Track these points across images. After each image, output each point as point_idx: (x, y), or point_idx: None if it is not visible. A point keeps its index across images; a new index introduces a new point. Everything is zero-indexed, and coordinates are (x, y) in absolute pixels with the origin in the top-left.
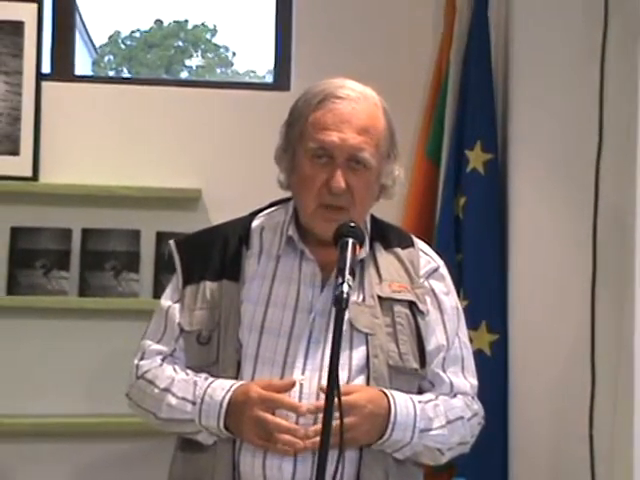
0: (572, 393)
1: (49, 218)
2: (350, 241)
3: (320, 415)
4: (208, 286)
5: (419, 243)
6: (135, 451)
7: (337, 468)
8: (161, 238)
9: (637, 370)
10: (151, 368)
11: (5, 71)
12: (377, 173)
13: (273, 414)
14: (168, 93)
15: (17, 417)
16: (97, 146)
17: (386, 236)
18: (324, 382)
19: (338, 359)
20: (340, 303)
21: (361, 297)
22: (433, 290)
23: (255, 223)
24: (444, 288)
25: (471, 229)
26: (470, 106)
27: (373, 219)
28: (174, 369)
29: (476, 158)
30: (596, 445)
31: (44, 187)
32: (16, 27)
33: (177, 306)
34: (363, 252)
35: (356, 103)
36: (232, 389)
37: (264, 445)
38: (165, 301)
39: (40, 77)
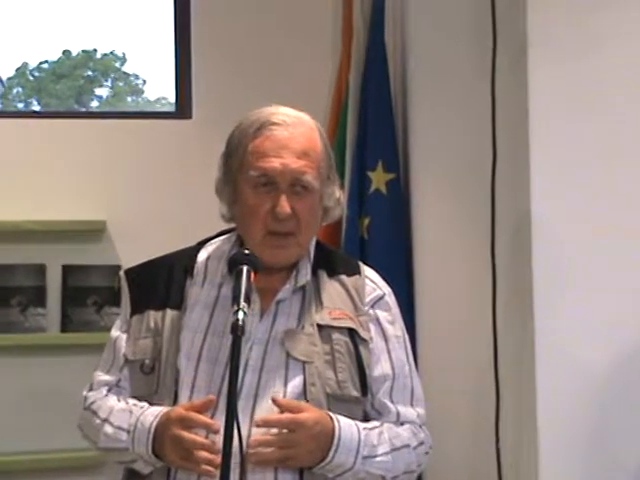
0: (479, 409)
1: None
2: (245, 268)
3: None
4: (152, 315)
5: (366, 270)
6: None
7: None
8: (67, 271)
9: (539, 380)
10: (96, 399)
11: None
12: (320, 196)
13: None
14: (70, 125)
15: None
16: (0, 181)
17: (331, 263)
18: (258, 410)
19: (236, 382)
20: (236, 331)
21: (300, 325)
22: (378, 318)
23: (201, 253)
24: (389, 317)
25: (376, 249)
26: (370, 127)
27: (318, 245)
28: (117, 399)
29: (378, 178)
30: (503, 458)
31: None
32: None
33: (124, 336)
34: (304, 279)
35: (293, 128)
36: (160, 414)
37: (185, 465)
38: (114, 331)
39: None
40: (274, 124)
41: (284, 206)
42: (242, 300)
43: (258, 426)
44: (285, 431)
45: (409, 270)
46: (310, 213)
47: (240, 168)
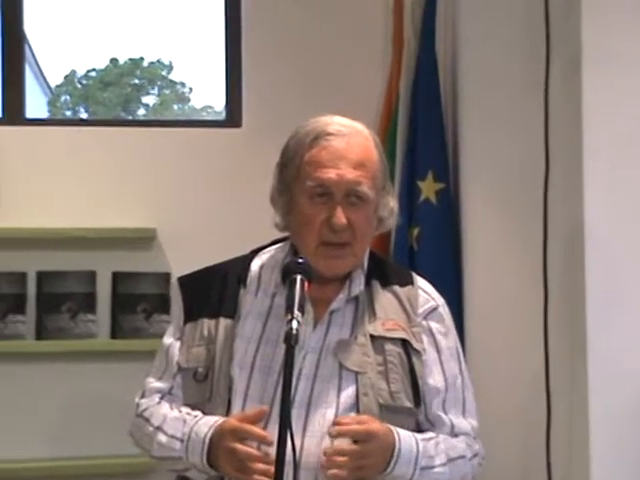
0: (530, 423)
1: (4, 262)
2: (298, 277)
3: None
4: (206, 323)
5: (419, 281)
6: None
7: None
8: (117, 278)
9: (591, 392)
10: (149, 406)
11: None
12: (375, 206)
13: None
14: (121, 133)
15: None
16: (51, 189)
17: (385, 273)
18: (311, 419)
19: (289, 391)
20: (289, 340)
21: (353, 335)
22: (431, 329)
23: (255, 261)
24: (442, 328)
25: (425, 259)
26: (420, 137)
27: (372, 255)
28: (170, 407)
29: (428, 188)
30: (554, 472)
31: None
32: None
33: (177, 343)
34: (357, 289)
35: (349, 138)
36: (214, 425)
37: (240, 477)
38: (167, 338)
39: None
40: (330, 134)
41: (340, 217)
42: (296, 309)
43: (332, 437)
44: (349, 442)
45: (459, 280)
46: (365, 223)
47: (296, 178)
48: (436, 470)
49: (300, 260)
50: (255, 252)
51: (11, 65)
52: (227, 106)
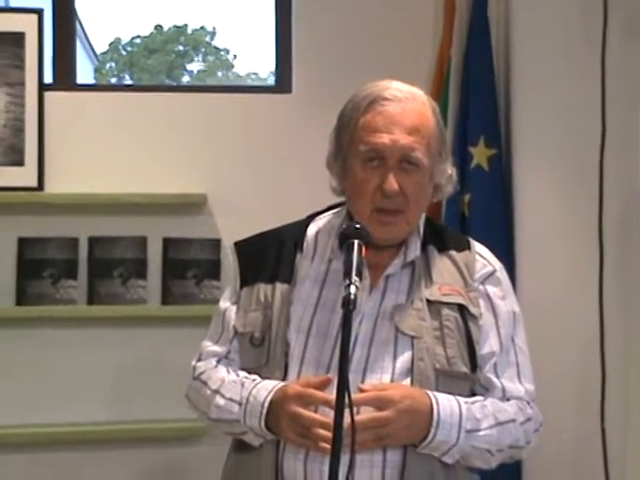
0: (583, 388)
1: (55, 228)
2: (356, 242)
3: (364, 408)
4: (262, 288)
5: (476, 246)
6: (156, 458)
7: (349, 469)
8: (167, 244)
9: None
10: (206, 369)
11: (7, 82)
12: (430, 173)
13: (316, 412)
14: (170, 99)
15: (32, 427)
16: (101, 154)
17: (441, 238)
18: (367, 382)
19: (347, 359)
20: (347, 305)
21: (409, 300)
22: (488, 294)
23: (311, 227)
24: (500, 292)
25: (477, 225)
26: (472, 102)
27: (428, 221)
28: (227, 370)
29: (480, 154)
30: (609, 438)
31: (49, 197)
32: (17, 38)
33: (234, 308)
34: (413, 254)
35: (405, 103)
36: (274, 389)
37: (302, 442)
38: (223, 302)
39: (42, 87)
40: (386, 99)
41: (392, 183)
42: (354, 274)
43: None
44: (372, 410)
45: (511, 247)
46: (419, 190)
47: (350, 143)
48: (483, 433)
49: (357, 225)
50: (311, 217)
51: (61, 32)
52: (277, 71)
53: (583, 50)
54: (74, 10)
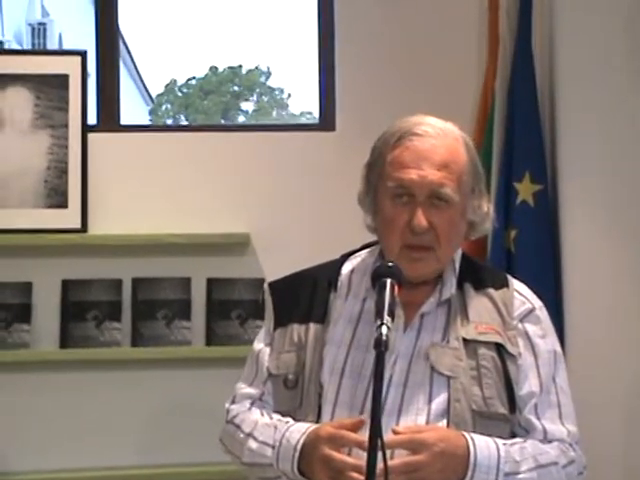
0: (632, 424)
1: (99, 269)
2: (388, 281)
3: (398, 451)
4: (295, 329)
5: (515, 283)
6: None
7: None
8: (211, 284)
9: None
10: (239, 412)
11: (51, 124)
12: (462, 209)
13: (349, 455)
14: (212, 139)
15: (76, 471)
16: (144, 195)
17: (478, 276)
18: (402, 424)
19: (380, 399)
20: (379, 345)
21: (445, 339)
22: (527, 333)
23: (345, 266)
24: (539, 331)
25: (523, 262)
26: (517, 137)
27: (464, 258)
28: (261, 413)
29: (525, 190)
30: None
31: (93, 238)
32: (61, 80)
33: (267, 349)
34: (448, 292)
35: (435, 139)
36: (307, 432)
37: None
38: (257, 344)
39: (86, 129)
40: (415, 134)
41: (420, 219)
42: (386, 314)
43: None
44: (406, 453)
45: (558, 283)
46: (449, 227)
47: (380, 178)
48: (522, 476)
49: (390, 264)
50: (346, 256)
51: (106, 71)
52: (321, 109)
53: (628, 83)
54: (118, 51)
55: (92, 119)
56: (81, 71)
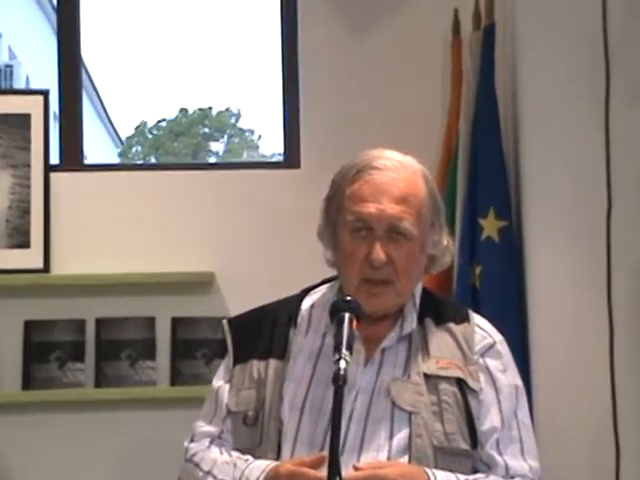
0: (598, 463)
1: (62, 309)
2: (347, 315)
3: None
4: (255, 365)
5: (475, 318)
6: None
7: None
8: (176, 324)
9: None
10: (198, 451)
11: (13, 164)
12: (421, 243)
13: None
14: (175, 177)
15: None
16: (108, 234)
17: (439, 310)
18: (363, 460)
19: (339, 433)
20: (337, 380)
21: (406, 374)
22: (488, 367)
23: (305, 301)
24: (500, 365)
25: (489, 298)
26: (481, 174)
27: (425, 292)
28: (220, 451)
29: (490, 226)
30: None
31: (56, 278)
32: (23, 120)
33: (227, 386)
34: (409, 327)
35: (393, 172)
36: (267, 469)
37: None
38: (217, 381)
39: (48, 168)
40: (374, 168)
41: (378, 253)
42: (344, 348)
43: None
44: None
45: (523, 320)
46: (408, 261)
47: (338, 212)
48: None
49: (348, 298)
50: (306, 291)
51: (69, 109)
52: (285, 147)
53: (588, 119)
54: (80, 89)
55: (55, 159)
56: (43, 110)
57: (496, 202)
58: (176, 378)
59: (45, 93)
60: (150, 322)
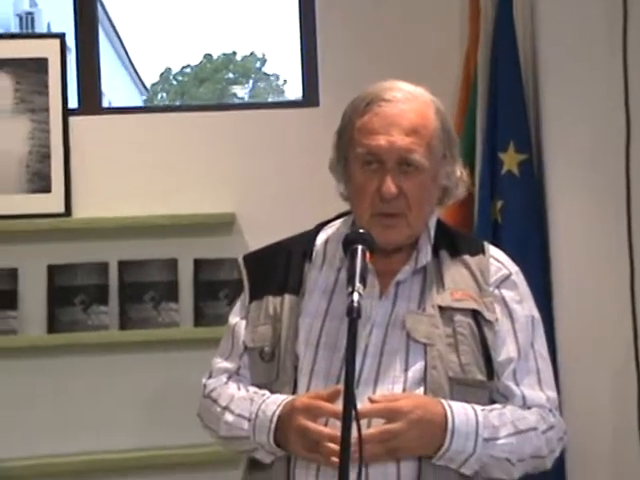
0: (621, 397)
1: (85, 253)
2: (359, 247)
3: (375, 421)
4: (271, 301)
5: (491, 249)
6: None
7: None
8: (198, 265)
9: None
10: (216, 387)
11: (31, 109)
12: (433, 175)
13: (326, 425)
14: (195, 118)
15: (67, 456)
16: (128, 177)
17: (454, 243)
18: (379, 393)
19: (354, 366)
20: (351, 313)
21: (421, 307)
22: (504, 299)
23: (320, 236)
24: (516, 296)
25: (510, 232)
26: (501, 108)
27: (439, 225)
28: (237, 387)
29: (510, 160)
30: None
31: (78, 222)
32: (40, 64)
33: (243, 323)
34: (424, 259)
35: (403, 104)
36: (283, 403)
37: (311, 457)
38: (233, 318)
39: (67, 112)
40: (385, 100)
41: (389, 186)
42: (357, 281)
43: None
44: (383, 422)
45: (545, 253)
46: (420, 192)
47: (349, 145)
48: (502, 442)
49: (361, 230)
50: (320, 226)
51: (86, 53)
52: (304, 85)
53: (606, 51)
54: (97, 32)
55: (74, 103)
56: (60, 54)
57: (516, 135)
58: (199, 319)
59: (61, 37)
60: (172, 264)
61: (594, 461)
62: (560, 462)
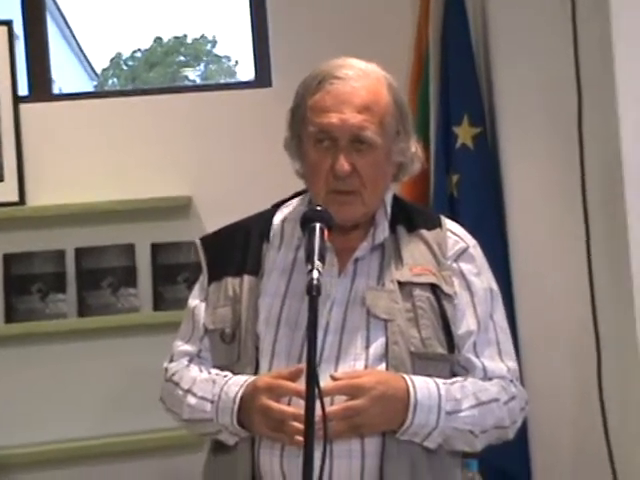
0: (581, 364)
1: (41, 241)
2: (317, 225)
3: (338, 398)
4: (230, 282)
5: (448, 223)
6: (155, 469)
7: (323, 460)
8: (156, 249)
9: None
10: (178, 370)
11: None
12: (386, 151)
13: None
14: (146, 102)
15: (29, 446)
16: (81, 164)
17: (411, 218)
18: (341, 370)
19: (315, 344)
20: (311, 290)
21: (380, 283)
22: (462, 272)
23: (277, 215)
24: (474, 269)
25: (467, 206)
26: (453, 81)
27: (396, 201)
28: (199, 369)
29: (464, 133)
30: (608, 409)
31: (32, 210)
32: None
33: (202, 305)
34: (381, 236)
35: (355, 81)
36: (245, 384)
37: (275, 436)
38: (192, 300)
39: (17, 100)
40: (336, 77)
41: (342, 164)
42: (316, 258)
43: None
44: (346, 399)
45: (502, 225)
46: (374, 170)
47: (302, 123)
48: (464, 414)
49: (318, 207)
50: (277, 206)
51: (34, 39)
52: (256, 66)
53: (556, 21)
54: (44, 17)
55: (24, 90)
56: (8, 41)
57: (469, 109)
58: (159, 303)
59: (9, 23)
60: (130, 249)
61: (556, 430)
62: (522, 432)
